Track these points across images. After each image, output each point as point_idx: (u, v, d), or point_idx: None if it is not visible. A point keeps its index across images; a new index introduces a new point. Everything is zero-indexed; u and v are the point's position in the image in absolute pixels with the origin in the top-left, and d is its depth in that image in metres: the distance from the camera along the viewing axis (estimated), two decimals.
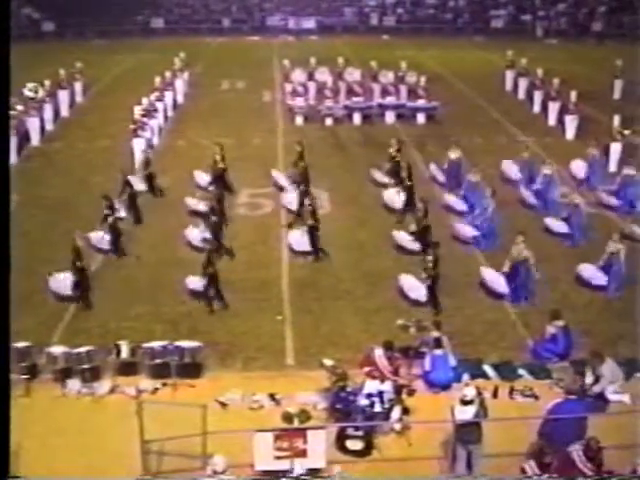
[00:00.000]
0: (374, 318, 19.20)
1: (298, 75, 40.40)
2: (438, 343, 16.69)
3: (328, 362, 15.88)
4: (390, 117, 37.12)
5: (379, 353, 15.79)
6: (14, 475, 10.14)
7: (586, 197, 25.65)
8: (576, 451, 12.81)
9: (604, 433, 13.35)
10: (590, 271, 20.94)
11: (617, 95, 41.23)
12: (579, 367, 16.66)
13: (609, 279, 20.61)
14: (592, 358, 16.20)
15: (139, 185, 26.08)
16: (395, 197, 25.42)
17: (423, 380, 16.61)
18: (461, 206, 25.49)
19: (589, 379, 15.84)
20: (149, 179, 26.90)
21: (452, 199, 25.79)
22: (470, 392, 13.75)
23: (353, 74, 40.13)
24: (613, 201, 26.04)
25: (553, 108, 36.10)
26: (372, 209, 25.94)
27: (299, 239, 22.77)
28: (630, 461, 12.81)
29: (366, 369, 15.59)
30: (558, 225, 23.66)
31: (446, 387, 16.38)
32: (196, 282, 19.89)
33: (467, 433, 13.55)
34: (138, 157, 28.16)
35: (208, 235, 22.12)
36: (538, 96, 38.56)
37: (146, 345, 16.99)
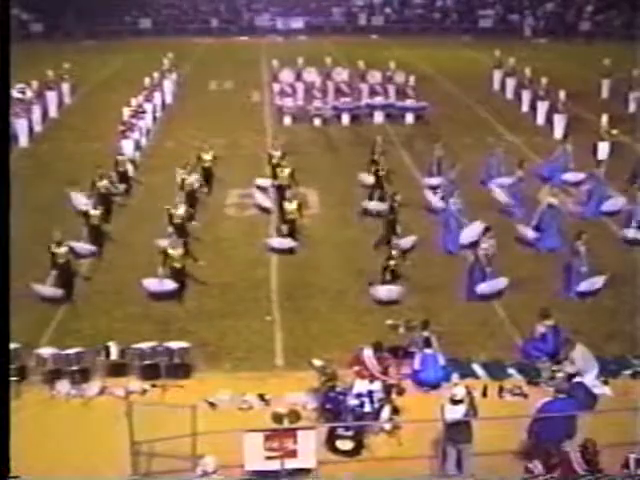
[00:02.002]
0: (364, 318, 19.21)
1: (286, 75, 40.44)
2: (427, 342, 16.72)
3: (317, 362, 15.89)
4: (379, 117, 37.16)
5: (368, 353, 15.79)
6: (15, 475, 10.11)
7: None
8: (574, 452, 12.86)
9: (594, 431, 13.43)
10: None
11: (605, 94, 41.35)
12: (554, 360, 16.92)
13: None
14: (565, 345, 16.49)
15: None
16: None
17: (412, 379, 16.64)
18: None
19: (568, 368, 16.00)
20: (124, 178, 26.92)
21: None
22: (460, 391, 13.77)
23: (341, 74, 40.23)
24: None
25: (541, 107, 36.20)
26: (361, 208, 25.93)
27: (281, 240, 22.86)
28: (621, 459, 12.90)
29: (355, 368, 15.62)
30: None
31: (435, 386, 16.42)
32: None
33: (457, 432, 13.58)
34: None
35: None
36: (526, 95, 38.63)
37: (135, 346, 16.98)
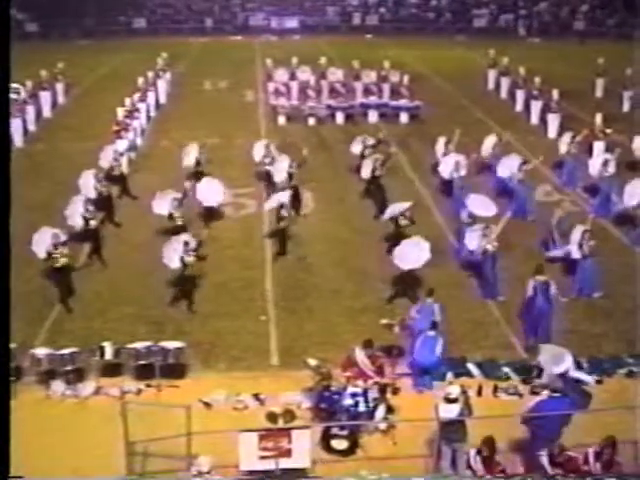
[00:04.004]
0: (359, 318, 19.22)
1: (281, 75, 40.40)
2: (433, 325, 16.75)
3: (312, 362, 15.91)
4: (373, 116, 37.18)
5: (360, 354, 15.77)
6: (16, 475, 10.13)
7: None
8: (545, 457, 13.00)
9: (589, 430, 13.47)
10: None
11: (599, 93, 41.43)
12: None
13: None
14: (528, 355, 16.82)
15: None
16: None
17: (409, 361, 16.76)
18: None
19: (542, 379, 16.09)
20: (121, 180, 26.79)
21: None
22: (454, 390, 13.80)
23: (336, 73, 40.18)
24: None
25: (535, 107, 36.25)
26: (356, 207, 25.94)
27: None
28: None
29: (347, 374, 15.58)
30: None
31: (426, 372, 16.48)
32: None
33: (452, 431, 13.60)
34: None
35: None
36: (520, 95, 38.69)
37: (130, 346, 16.97)
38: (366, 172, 25.89)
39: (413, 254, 19.75)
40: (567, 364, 15.82)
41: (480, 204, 21.97)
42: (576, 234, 20.42)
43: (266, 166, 26.70)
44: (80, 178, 24.86)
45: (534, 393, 16.10)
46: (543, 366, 15.92)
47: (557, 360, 15.78)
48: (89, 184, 24.41)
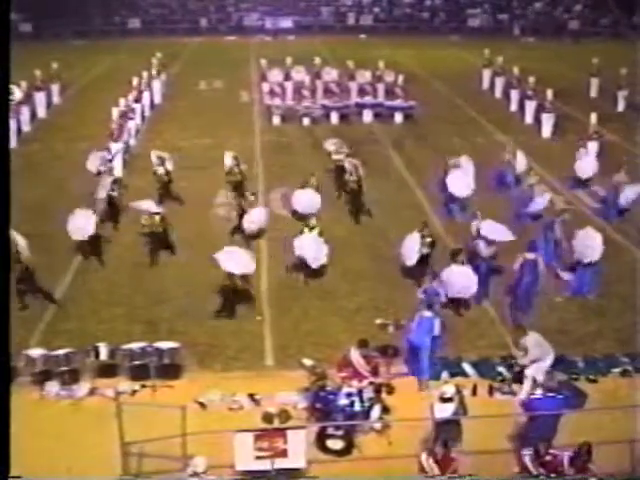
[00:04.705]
0: (354, 318, 19.21)
1: (275, 75, 40.40)
2: (429, 306, 16.95)
3: (308, 362, 15.94)
4: (367, 116, 37.20)
5: (355, 354, 15.76)
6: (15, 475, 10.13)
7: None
8: (529, 456, 13.01)
9: (584, 430, 13.49)
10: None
11: (594, 93, 41.49)
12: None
13: None
14: (514, 332, 16.73)
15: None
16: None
17: (405, 339, 16.94)
18: None
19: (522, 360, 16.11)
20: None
21: None
22: (449, 390, 13.83)
23: (330, 73, 40.23)
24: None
25: (530, 106, 36.29)
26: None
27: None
28: (611, 457, 12.97)
29: (342, 374, 15.59)
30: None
31: (419, 350, 16.59)
32: None
33: (447, 431, 13.61)
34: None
35: None
36: (515, 95, 38.79)
37: (125, 347, 16.96)
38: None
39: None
40: (548, 362, 15.94)
41: (495, 230, 21.49)
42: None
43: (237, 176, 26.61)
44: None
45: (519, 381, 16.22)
46: (528, 347, 15.96)
47: (543, 353, 15.87)
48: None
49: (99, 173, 26.30)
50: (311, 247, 20.75)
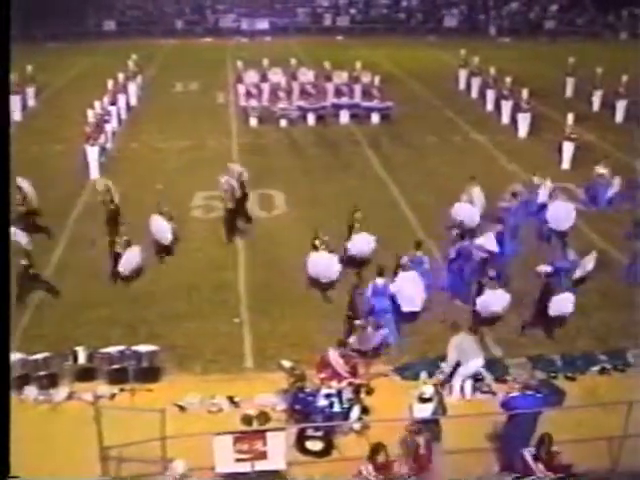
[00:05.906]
0: (331, 319, 19.18)
1: (251, 76, 40.36)
2: (404, 267, 18.45)
3: (286, 363, 15.95)
4: (344, 117, 37.20)
5: (334, 354, 15.78)
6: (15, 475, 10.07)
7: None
8: (529, 453, 13.01)
9: (562, 428, 13.55)
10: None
11: (569, 93, 41.69)
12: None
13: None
14: (451, 331, 16.74)
15: None
16: None
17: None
18: None
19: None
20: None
21: None
22: (428, 390, 13.86)
23: (307, 74, 40.25)
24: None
25: (506, 106, 36.41)
26: (328, 210, 25.90)
27: None
28: (588, 455, 13.03)
29: (321, 375, 15.60)
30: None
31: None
32: None
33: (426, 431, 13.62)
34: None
35: None
36: (491, 95, 38.91)
37: (103, 350, 16.90)
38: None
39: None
40: (476, 365, 16.05)
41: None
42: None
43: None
44: None
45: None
46: (452, 349, 16.14)
47: (468, 356, 15.93)
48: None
49: None
50: (324, 265, 20.39)
